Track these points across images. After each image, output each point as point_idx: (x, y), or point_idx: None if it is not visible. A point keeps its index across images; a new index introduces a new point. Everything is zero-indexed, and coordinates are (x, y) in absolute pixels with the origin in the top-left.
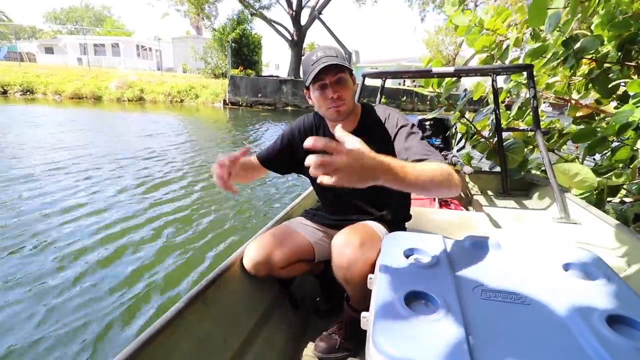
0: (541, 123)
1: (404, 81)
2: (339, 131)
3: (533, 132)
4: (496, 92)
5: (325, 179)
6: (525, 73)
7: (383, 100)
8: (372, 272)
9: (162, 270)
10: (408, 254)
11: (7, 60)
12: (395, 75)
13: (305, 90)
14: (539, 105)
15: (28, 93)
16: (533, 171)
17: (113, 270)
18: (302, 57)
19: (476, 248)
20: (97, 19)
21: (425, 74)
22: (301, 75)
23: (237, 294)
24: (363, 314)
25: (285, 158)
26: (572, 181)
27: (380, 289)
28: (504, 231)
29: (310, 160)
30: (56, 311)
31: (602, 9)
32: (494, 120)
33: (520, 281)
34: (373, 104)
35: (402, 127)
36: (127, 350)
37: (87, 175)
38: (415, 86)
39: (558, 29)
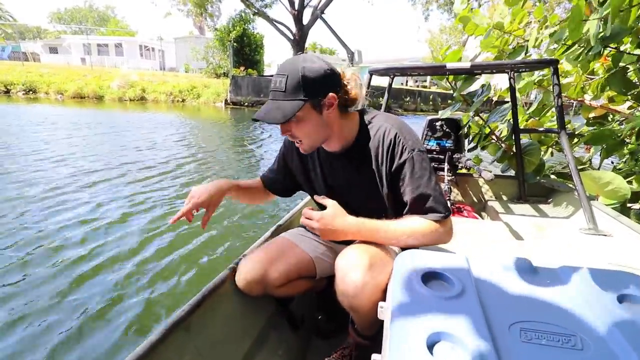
0: (550, 124)
1: (407, 81)
2: (319, 199)
3: (551, 134)
4: (514, 90)
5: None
6: (544, 70)
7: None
8: (383, 298)
9: (135, 294)
10: (426, 278)
11: (11, 60)
12: (404, 71)
13: None
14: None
15: (30, 92)
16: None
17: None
18: None
19: (507, 272)
20: (101, 19)
21: (438, 70)
22: None
23: (228, 316)
24: (374, 356)
25: (287, 180)
26: (602, 190)
27: (394, 325)
28: (527, 243)
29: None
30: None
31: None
32: (510, 120)
33: (567, 317)
34: (373, 111)
35: (408, 159)
36: None
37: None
38: (417, 86)
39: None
